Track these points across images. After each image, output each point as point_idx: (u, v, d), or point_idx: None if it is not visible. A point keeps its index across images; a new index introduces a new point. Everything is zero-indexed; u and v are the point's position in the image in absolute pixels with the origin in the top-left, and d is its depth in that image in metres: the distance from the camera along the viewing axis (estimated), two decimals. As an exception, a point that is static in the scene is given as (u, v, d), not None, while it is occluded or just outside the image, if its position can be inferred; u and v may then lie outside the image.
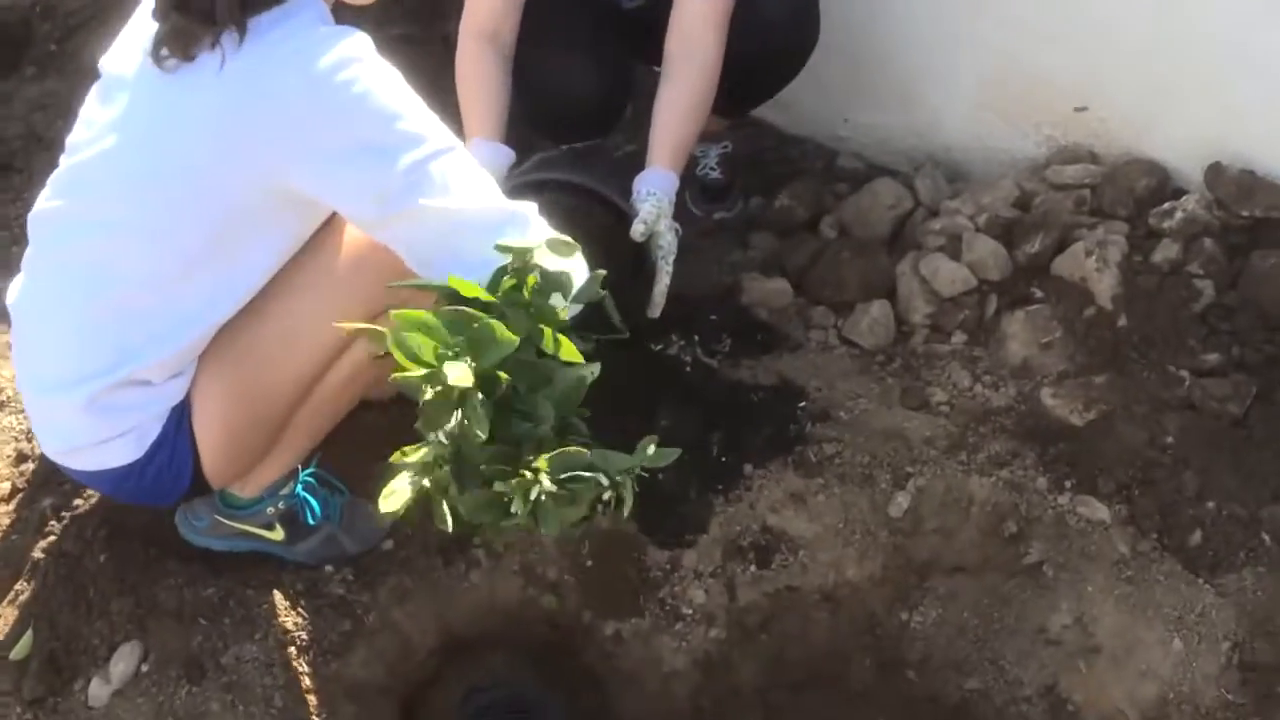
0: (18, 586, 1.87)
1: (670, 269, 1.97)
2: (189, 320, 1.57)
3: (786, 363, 2.19)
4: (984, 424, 2.03)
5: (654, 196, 1.99)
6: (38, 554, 1.88)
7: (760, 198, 2.70)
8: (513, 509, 1.22)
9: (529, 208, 1.46)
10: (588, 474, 1.26)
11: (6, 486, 2.05)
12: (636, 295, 2.00)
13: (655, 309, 1.99)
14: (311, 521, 1.85)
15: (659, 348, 2.19)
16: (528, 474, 1.22)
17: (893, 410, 2.07)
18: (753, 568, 1.93)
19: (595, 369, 1.32)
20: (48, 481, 2.00)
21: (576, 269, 1.36)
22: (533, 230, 1.43)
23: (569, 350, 1.28)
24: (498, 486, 1.22)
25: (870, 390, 2.13)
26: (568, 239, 1.36)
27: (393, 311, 1.25)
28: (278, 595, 1.82)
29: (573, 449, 1.28)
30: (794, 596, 1.94)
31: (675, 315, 2.19)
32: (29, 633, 1.80)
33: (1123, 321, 2.08)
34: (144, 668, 1.73)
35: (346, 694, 1.77)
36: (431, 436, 1.23)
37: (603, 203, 2.00)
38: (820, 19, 2.30)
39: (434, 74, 2.40)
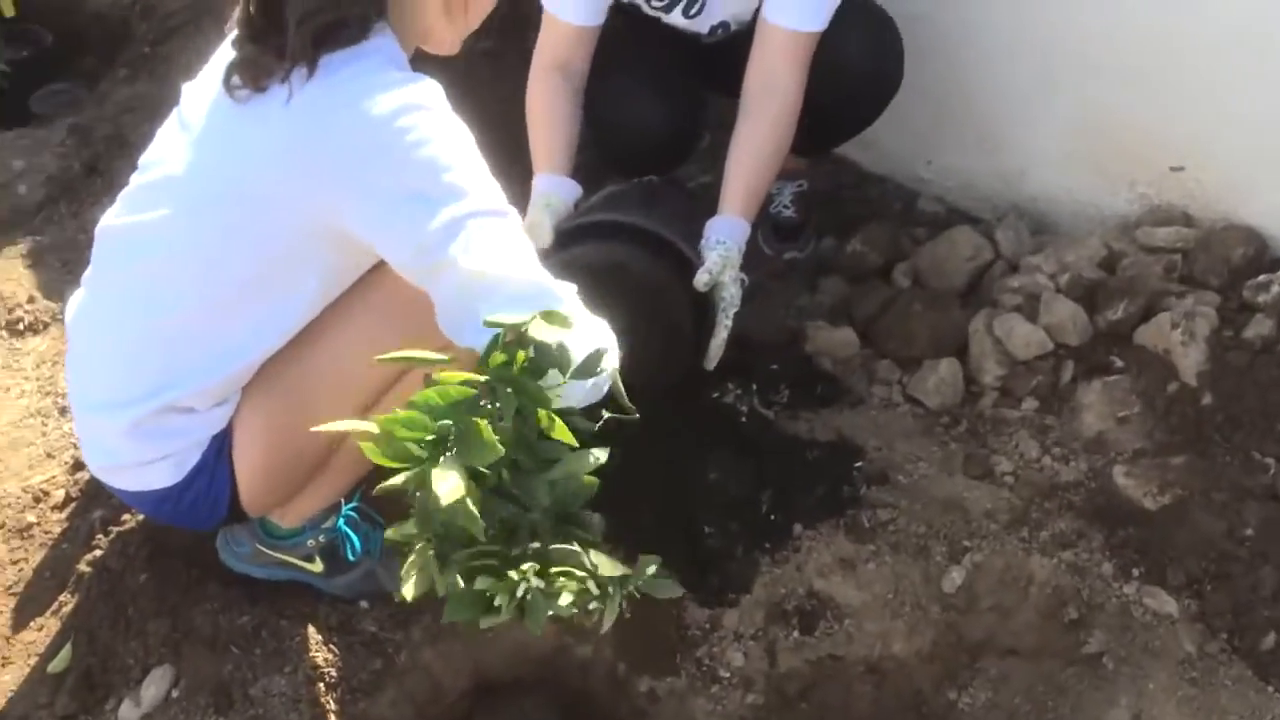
0: (62, 597, 1.89)
1: (730, 323, 1.92)
2: (236, 350, 1.56)
3: (846, 418, 2.11)
4: (1050, 499, 1.94)
5: (723, 245, 1.93)
6: (83, 566, 1.90)
7: (834, 239, 2.63)
8: (496, 604, 1.17)
9: (566, 288, 1.40)
10: (579, 573, 1.21)
11: (61, 494, 2.08)
12: (697, 344, 1.95)
13: (710, 362, 1.95)
14: (351, 557, 1.84)
15: (715, 395, 2.13)
16: (514, 575, 1.17)
17: (954, 478, 1.99)
18: (796, 633, 1.86)
19: (602, 454, 1.26)
20: (100, 493, 2.01)
21: (578, 344, 1.30)
22: (564, 309, 1.38)
23: (562, 432, 1.21)
24: (480, 584, 1.17)
25: (932, 454, 2.04)
26: (567, 314, 1.29)
27: (375, 416, 1.20)
28: (311, 629, 1.80)
29: (567, 548, 1.22)
30: (837, 666, 1.86)
31: (735, 361, 2.14)
32: (68, 646, 1.81)
33: (1207, 400, 1.97)
34: (174, 693, 1.73)
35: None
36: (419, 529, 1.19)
37: (667, 249, 1.95)
38: (904, 58, 2.23)
39: (517, 88, 2.40)
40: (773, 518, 1.96)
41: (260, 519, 1.81)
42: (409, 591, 1.17)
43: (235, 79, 1.45)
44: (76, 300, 1.66)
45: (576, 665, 1.90)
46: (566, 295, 1.39)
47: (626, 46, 2.19)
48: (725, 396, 2.13)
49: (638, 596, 1.30)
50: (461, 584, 1.17)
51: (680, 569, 1.87)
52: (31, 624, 1.87)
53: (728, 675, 1.84)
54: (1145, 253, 2.25)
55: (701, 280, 1.91)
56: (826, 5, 2.01)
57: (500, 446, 1.13)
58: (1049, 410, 2.08)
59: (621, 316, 1.73)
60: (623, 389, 1.34)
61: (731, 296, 1.93)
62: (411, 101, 1.40)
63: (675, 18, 2.18)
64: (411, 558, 1.19)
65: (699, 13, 2.15)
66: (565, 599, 1.19)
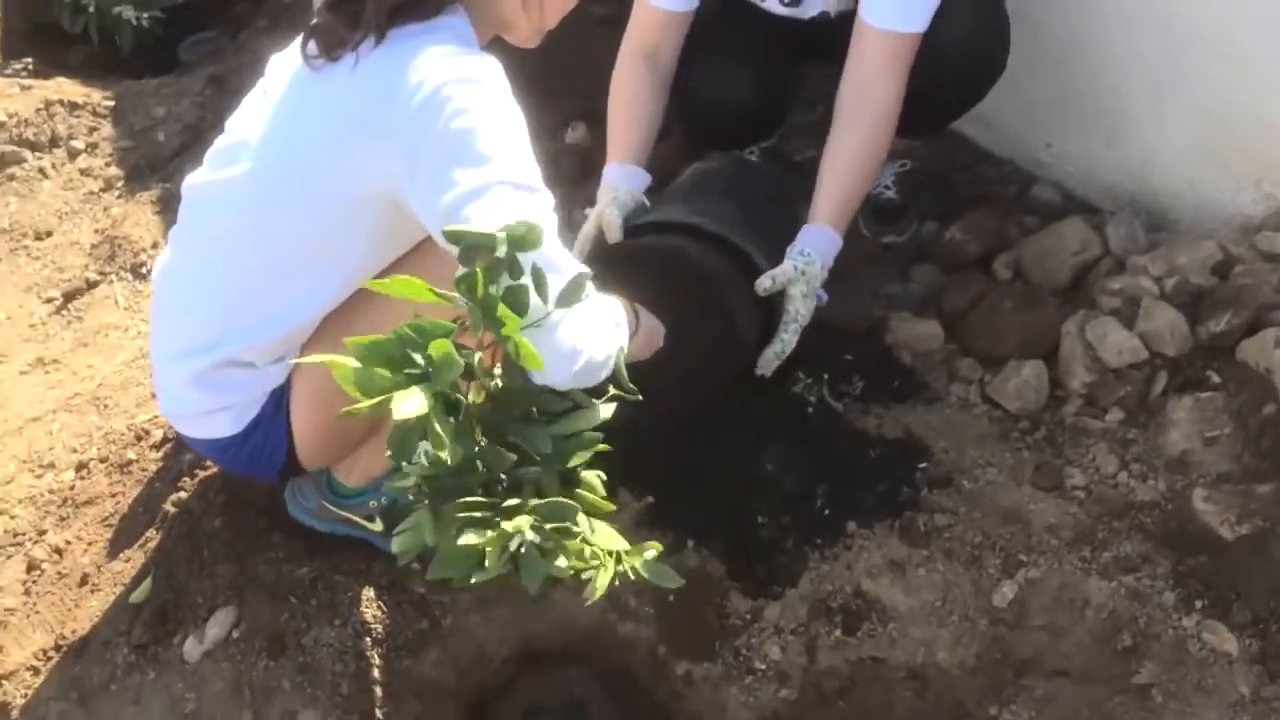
0: (149, 533, 2.02)
1: (792, 337, 1.88)
2: (292, 310, 1.63)
3: (918, 416, 2.06)
4: (1120, 519, 1.85)
5: (803, 258, 1.88)
6: (169, 506, 2.02)
7: (938, 223, 2.53)
8: (486, 563, 1.15)
9: (581, 267, 1.40)
10: (576, 530, 1.20)
11: (160, 434, 2.21)
12: (757, 346, 1.93)
13: (763, 369, 1.92)
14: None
15: (784, 384, 2.10)
16: (508, 526, 1.15)
17: (1021, 488, 1.92)
18: (838, 632, 1.84)
19: (608, 410, 1.25)
20: (193, 436, 2.14)
21: (585, 316, 1.28)
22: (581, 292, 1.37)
23: (530, 358, 1.17)
24: (469, 539, 1.15)
25: (1003, 460, 1.98)
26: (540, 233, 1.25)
27: (346, 339, 1.20)
28: (364, 586, 1.88)
29: (564, 503, 1.21)
30: (878, 669, 1.84)
31: (810, 348, 2.11)
32: (149, 580, 1.94)
33: (1305, 426, 1.84)
34: (234, 634, 1.84)
35: (414, 692, 1.82)
36: (405, 466, 1.19)
37: (731, 251, 1.91)
38: (1009, 42, 2.12)
39: None
40: (827, 513, 1.93)
41: (327, 477, 1.89)
42: (397, 548, 1.20)
43: (311, 47, 1.52)
44: (163, 255, 1.76)
45: (620, 642, 1.93)
46: (579, 272, 1.36)
47: (718, 26, 2.15)
48: (795, 385, 2.09)
49: (631, 578, 1.29)
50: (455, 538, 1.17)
51: (728, 557, 1.89)
52: (121, 555, 2.01)
53: (764, 667, 1.84)
54: (1263, 260, 2.10)
55: (763, 285, 1.87)
56: (926, 5, 1.92)
57: (459, 359, 1.11)
58: (1134, 423, 1.98)
59: (672, 307, 1.73)
60: (624, 370, 1.34)
61: (797, 311, 1.89)
62: (464, 74, 1.43)
63: (773, 4, 2.13)
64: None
65: (798, 1, 2.10)
66: (562, 560, 1.18)
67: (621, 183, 1.99)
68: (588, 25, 2.99)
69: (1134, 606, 1.74)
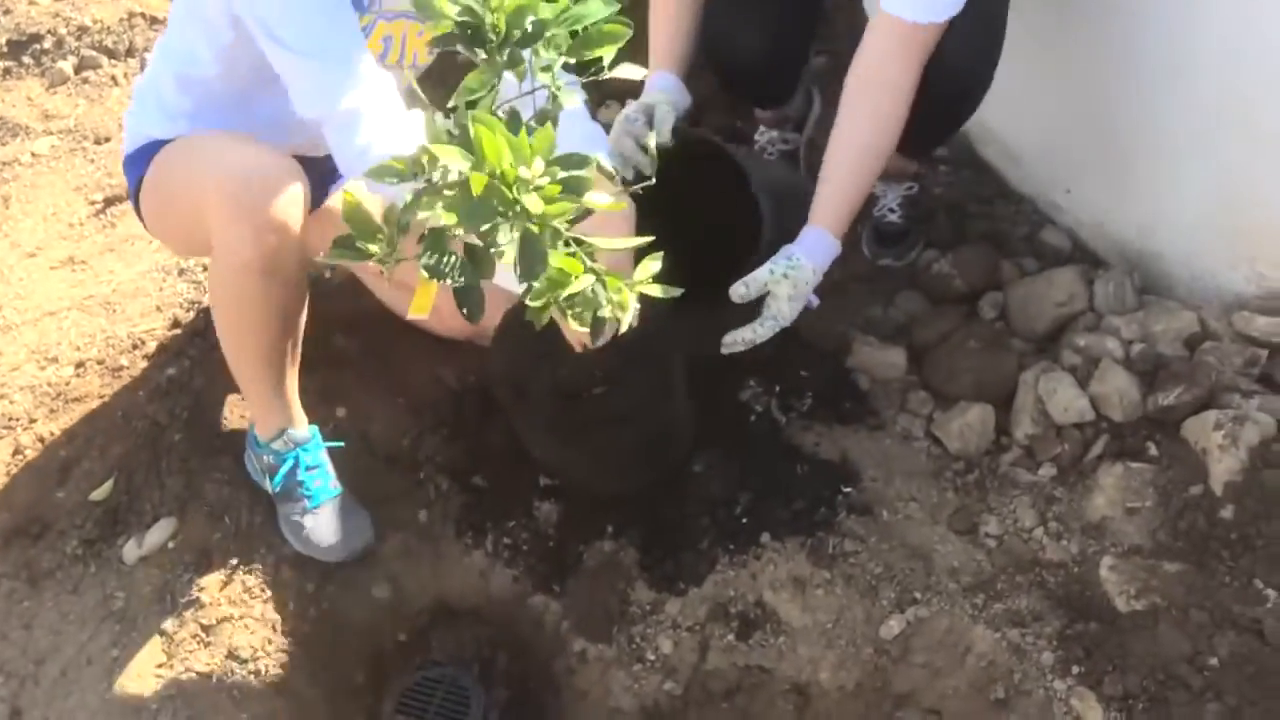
0: (121, 438, 2.17)
1: (768, 333, 1.80)
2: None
3: (857, 441, 2.09)
4: (1024, 573, 1.87)
5: (788, 263, 1.79)
6: (144, 413, 2.17)
7: (939, 253, 2.53)
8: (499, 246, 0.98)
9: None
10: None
11: (154, 345, 2.36)
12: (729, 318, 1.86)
13: (727, 346, 1.83)
14: (306, 492, 1.96)
15: (732, 389, 2.15)
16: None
17: (935, 527, 1.95)
18: (731, 636, 1.91)
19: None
20: (181, 353, 2.28)
21: None
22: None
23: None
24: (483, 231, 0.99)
25: (927, 497, 2.00)
26: None
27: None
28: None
29: (579, 156, 1.02)
30: (763, 677, 1.90)
31: (768, 358, 2.16)
32: (111, 481, 2.09)
33: (1226, 513, 1.83)
34: (170, 544, 1.98)
35: (329, 627, 1.94)
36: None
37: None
38: (996, 61, 2.09)
39: None
40: (744, 521, 1.99)
41: (251, 428, 2.01)
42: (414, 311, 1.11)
43: None
44: None
45: (529, 615, 2.01)
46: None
47: None
48: (743, 391, 2.14)
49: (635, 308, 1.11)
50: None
51: (642, 548, 1.96)
52: (94, 453, 2.17)
53: (653, 659, 1.92)
54: (1236, 339, 2.08)
55: (737, 292, 1.78)
56: None
57: None
58: (1063, 482, 1.99)
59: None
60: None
61: (780, 310, 1.79)
62: None
63: None
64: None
65: None
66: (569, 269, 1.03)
67: (670, 89, 1.96)
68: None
69: (1012, 660, 1.77)
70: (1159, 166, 2.34)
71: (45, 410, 2.30)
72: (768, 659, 1.89)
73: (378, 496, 2.04)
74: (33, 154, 3.04)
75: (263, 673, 1.86)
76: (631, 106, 1.95)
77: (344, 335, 2.26)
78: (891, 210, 2.53)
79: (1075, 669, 1.75)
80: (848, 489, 2.01)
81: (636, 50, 1.22)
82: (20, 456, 2.21)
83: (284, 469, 1.93)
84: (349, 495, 2.00)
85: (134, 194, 1.93)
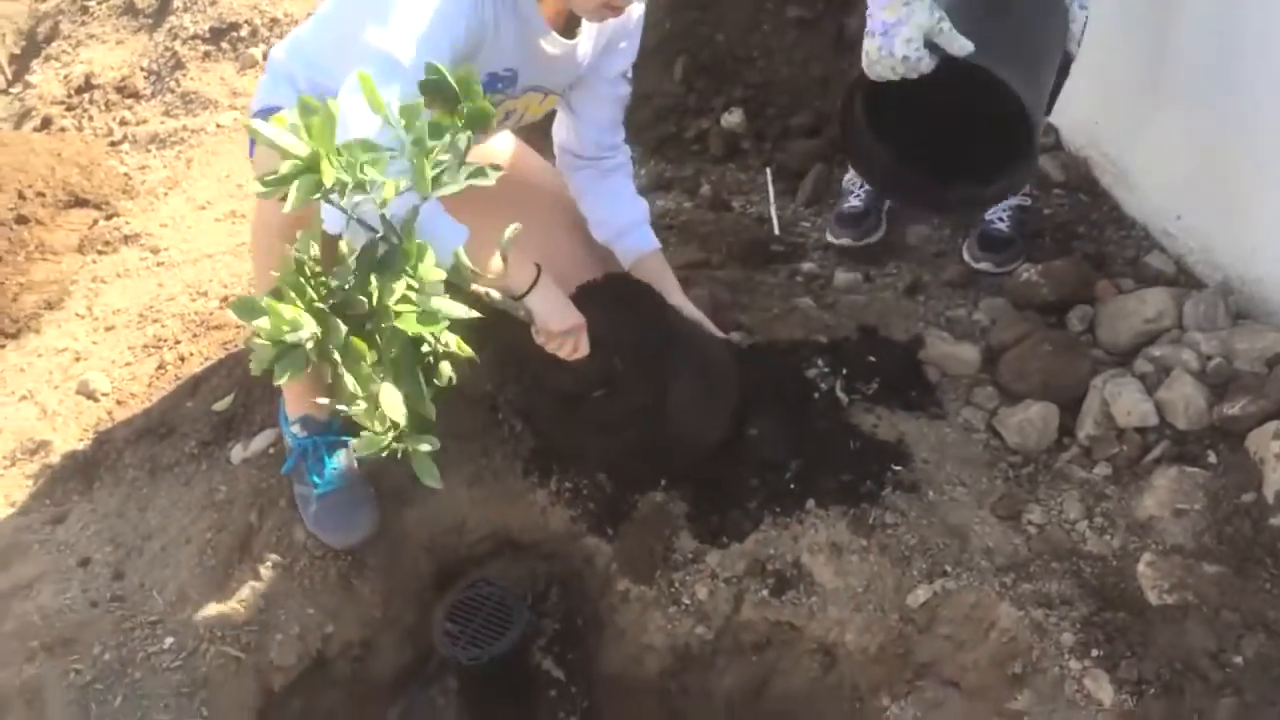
0: (247, 362, 2.41)
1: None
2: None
3: (915, 427, 2.14)
4: (1060, 561, 1.88)
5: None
6: (268, 342, 2.40)
7: (1035, 266, 2.56)
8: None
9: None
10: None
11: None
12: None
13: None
14: (313, 476, 2.05)
15: (803, 366, 2.23)
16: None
17: (979, 511, 1.98)
18: (765, 592, 1.98)
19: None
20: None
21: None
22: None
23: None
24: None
25: (976, 483, 2.03)
26: None
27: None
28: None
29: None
30: (791, 634, 1.96)
31: (841, 343, 2.24)
32: (231, 395, 2.33)
33: (1275, 521, 1.81)
34: (270, 450, 2.19)
35: (392, 540, 2.11)
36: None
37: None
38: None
39: (827, 60, 2.50)
40: (793, 487, 2.05)
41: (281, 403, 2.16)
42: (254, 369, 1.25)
43: None
44: None
45: (584, 553, 2.13)
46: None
47: None
48: (809, 369, 2.22)
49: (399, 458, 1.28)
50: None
51: (692, 501, 2.06)
52: (222, 372, 2.43)
53: (689, 603, 2.01)
54: (1318, 361, 2.04)
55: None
56: None
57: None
58: (1116, 481, 1.99)
59: None
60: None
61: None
62: None
63: None
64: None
65: None
66: (350, 382, 1.21)
67: None
68: (782, 24, 3.18)
69: (1033, 638, 1.78)
70: (1267, 194, 2.32)
71: (189, 334, 2.58)
72: (798, 617, 1.95)
73: (456, 432, 2.18)
74: (217, 124, 3.39)
75: (331, 573, 2.04)
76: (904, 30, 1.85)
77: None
78: (1001, 219, 2.58)
79: (1094, 652, 1.75)
80: (898, 467, 2.06)
81: None
82: (163, 370, 2.49)
83: (295, 454, 2.06)
84: (361, 485, 2.07)
85: (251, 150, 2.10)
